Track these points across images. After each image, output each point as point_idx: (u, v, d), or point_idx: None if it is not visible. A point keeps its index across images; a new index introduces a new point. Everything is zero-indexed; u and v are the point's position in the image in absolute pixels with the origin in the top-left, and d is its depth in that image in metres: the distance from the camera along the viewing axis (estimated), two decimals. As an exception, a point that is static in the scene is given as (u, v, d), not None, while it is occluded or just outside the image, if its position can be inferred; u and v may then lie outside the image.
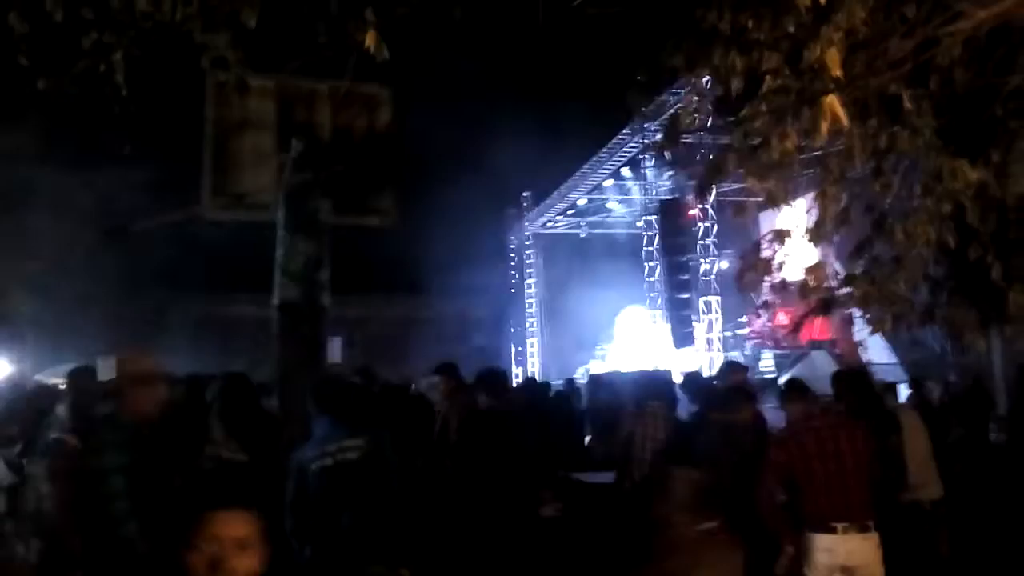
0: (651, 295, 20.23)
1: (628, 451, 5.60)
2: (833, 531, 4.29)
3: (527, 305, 25.46)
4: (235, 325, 19.51)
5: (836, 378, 5.36)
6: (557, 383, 12.45)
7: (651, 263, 20.30)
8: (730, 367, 6.82)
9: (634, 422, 5.74)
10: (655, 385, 6.15)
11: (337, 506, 4.11)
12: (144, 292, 18.52)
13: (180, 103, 8.06)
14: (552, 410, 8.76)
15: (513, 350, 24.88)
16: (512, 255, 26.07)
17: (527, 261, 25.61)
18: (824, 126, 2.85)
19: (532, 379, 16.13)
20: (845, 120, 2.88)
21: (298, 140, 7.13)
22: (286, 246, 6.97)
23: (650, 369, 6.43)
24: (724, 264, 18.02)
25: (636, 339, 19.96)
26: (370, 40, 3.64)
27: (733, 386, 5.80)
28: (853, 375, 5.39)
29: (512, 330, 25.42)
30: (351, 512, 4.12)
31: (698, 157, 13.20)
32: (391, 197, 7.81)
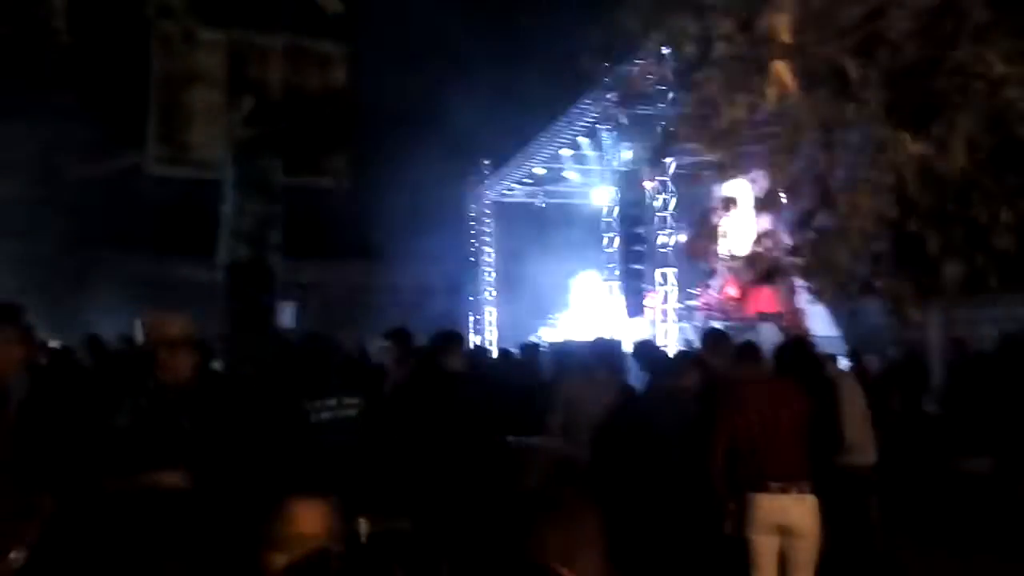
0: (608, 265, 20.34)
1: (573, 420, 5.57)
2: (769, 490, 4.38)
3: (485, 274, 25.43)
4: (177, 287, 19.15)
5: (778, 347, 5.45)
6: (515, 351, 12.46)
7: (608, 234, 20.39)
8: (715, 338, 6.34)
9: (580, 391, 5.71)
10: (604, 353, 6.14)
11: (335, 458, 4.14)
12: (83, 250, 18.02)
13: (125, 54, 7.81)
14: (509, 378, 8.78)
15: (471, 318, 24.87)
16: (470, 223, 25.97)
17: (485, 229, 25.54)
18: (772, 92, 2.88)
19: (479, 347, 16.10)
20: (792, 86, 2.91)
21: (249, 96, 6.98)
22: (235, 205, 6.85)
23: (600, 337, 6.47)
24: (682, 237, 18.18)
25: (590, 307, 20.11)
26: (321, -8, 3.55)
27: (680, 353, 5.85)
28: (793, 343, 5.49)
29: (470, 298, 25.41)
30: (348, 465, 4.14)
31: (658, 130, 13.24)
32: (344, 158, 7.71)
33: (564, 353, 6.64)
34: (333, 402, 4.24)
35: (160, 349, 3.73)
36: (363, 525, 3.86)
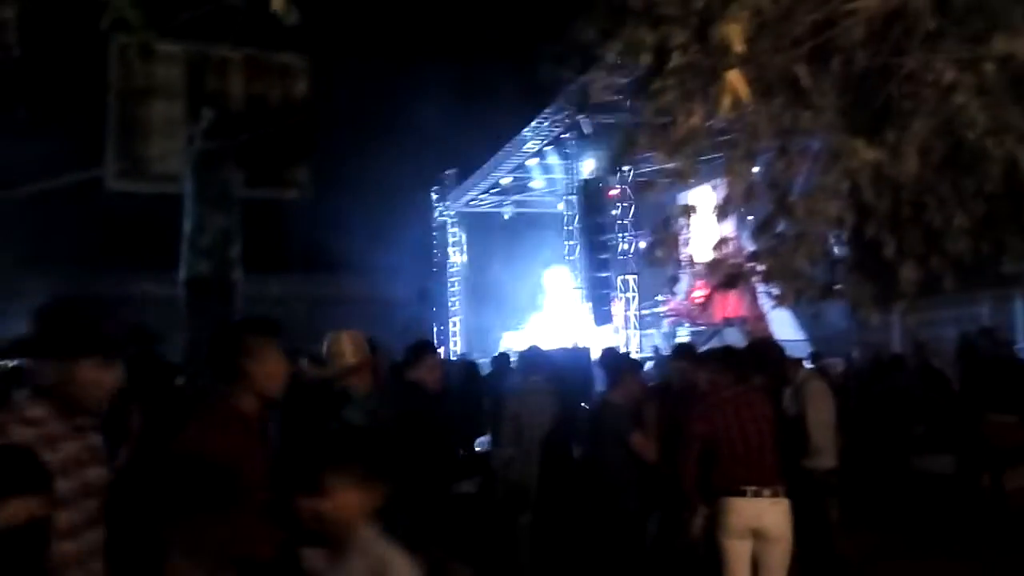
0: (572, 273, 20.42)
1: (517, 437, 5.55)
2: (743, 494, 4.43)
3: (450, 284, 25.38)
4: (138, 303, 18.86)
5: (743, 351, 5.53)
6: (483, 360, 12.42)
7: (572, 242, 20.49)
8: (681, 348, 6.24)
9: (519, 402, 5.69)
10: (539, 362, 6.13)
11: None
12: (41, 266, 17.65)
13: (81, 67, 7.68)
14: (474, 388, 8.76)
15: (436, 329, 24.78)
16: (435, 233, 25.90)
17: (450, 240, 25.50)
18: (727, 101, 2.91)
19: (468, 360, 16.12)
20: (746, 96, 2.95)
21: (208, 109, 6.91)
22: (195, 219, 6.76)
23: (534, 346, 6.47)
24: (643, 244, 18.33)
25: (560, 309, 20.16)
26: (277, 2, 3.51)
27: (621, 363, 5.88)
28: (757, 348, 5.57)
29: (435, 309, 25.31)
30: None
31: (619, 137, 13.34)
32: (307, 170, 7.65)
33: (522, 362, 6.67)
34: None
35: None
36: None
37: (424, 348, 5.22)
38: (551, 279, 21.77)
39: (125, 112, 7.07)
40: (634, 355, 14.73)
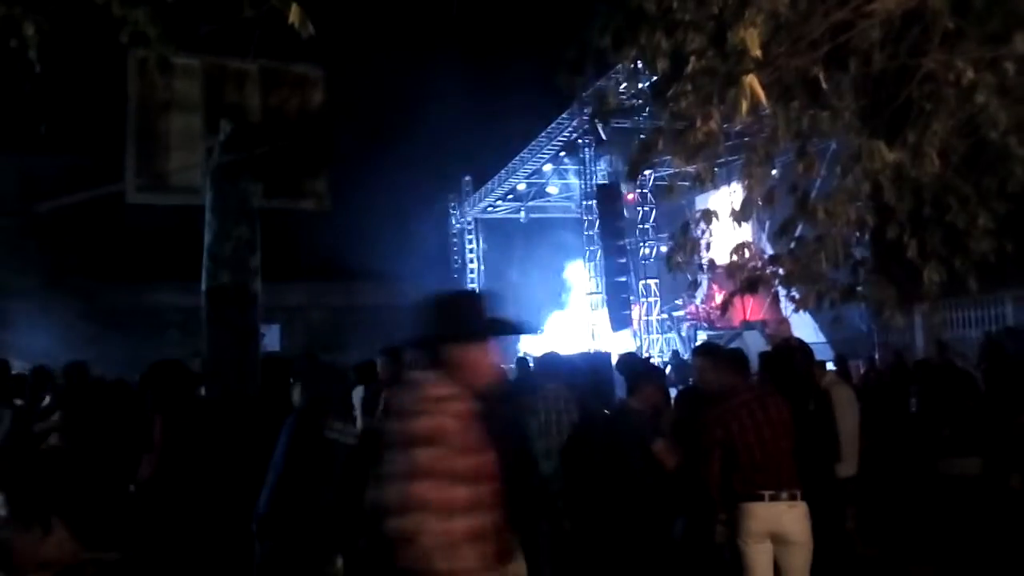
0: (590, 278, 20.41)
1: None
2: (761, 499, 4.40)
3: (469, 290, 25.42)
4: (161, 313, 19.02)
5: (765, 355, 5.50)
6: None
7: (591, 247, 20.47)
8: (703, 350, 6.14)
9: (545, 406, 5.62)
10: (555, 369, 6.06)
11: (327, 477, 4.13)
12: (65, 279, 17.86)
13: (100, 82, 7.77)
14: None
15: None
16: (453, 240, 25.99)
17: (468, 246, 25.56)
18: (744, 106, 2.89)
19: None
20: (764, 100, 2.93)
21: (226, 121, 6.96)
22: (215, 231, 6.81)
23: (551, 352, 6.36)
24: (663, 248, 18.30)
25: (578, 313, 20.14)
26: (294, 15, 3.54)
27: (641, 368, 5.83)
28: (780, 352, 5.52)
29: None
30: (335, 490, 4.14)
31: (635, 144, 13.31)
32: (324, 180, 7.69)
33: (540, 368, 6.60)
34: (339, 425, 4.26)
35: None
36: (339, 563, 3.84)
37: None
38: (572, 276, 21.75)
39: (144, 126, 7.14)
40: (653, 359, 14.68)
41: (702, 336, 16.14)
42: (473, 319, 2.62)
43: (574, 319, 20.49)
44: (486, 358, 2.59)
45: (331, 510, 4.07)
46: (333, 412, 4.28)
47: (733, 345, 13.74)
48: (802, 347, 5.42)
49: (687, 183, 4.75)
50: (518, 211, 24.39)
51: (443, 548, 2.24)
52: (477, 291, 3.86)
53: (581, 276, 20.97)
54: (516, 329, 3.04)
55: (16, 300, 15.81)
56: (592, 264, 20.24)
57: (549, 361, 6.16)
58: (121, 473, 5.77)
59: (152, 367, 5.92)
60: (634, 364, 6.23)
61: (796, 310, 4.54)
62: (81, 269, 18.30)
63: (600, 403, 6.30)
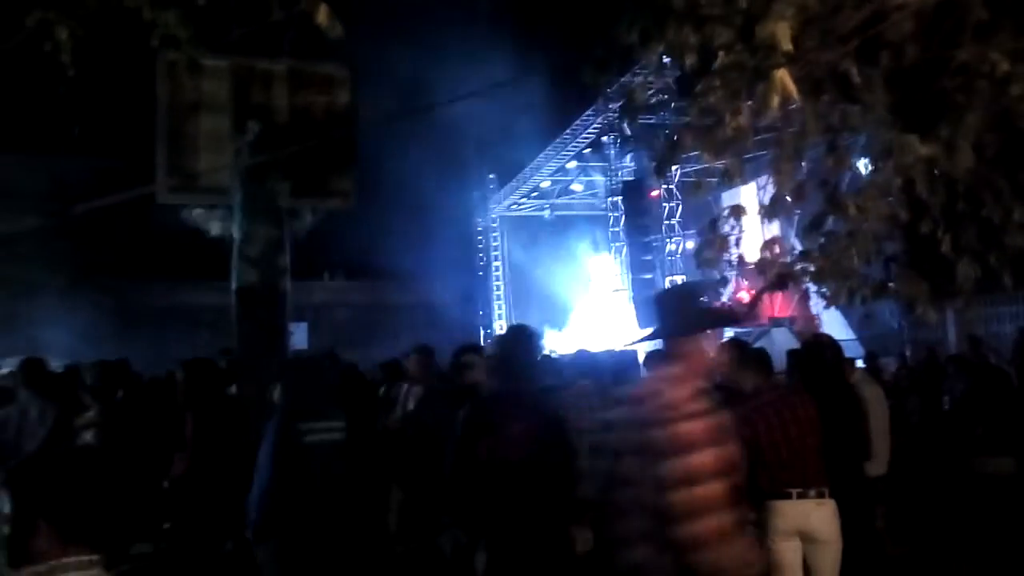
0: (616, 275, 20.36)
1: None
2: (788, 496, 4.37)
3: (494, 288, 25.46)
4: (192, 313, 19.24)
5: (790, 353, 5.44)
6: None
7: (616, 244, 20.41)
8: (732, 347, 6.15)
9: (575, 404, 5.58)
10: (621, 364, 6.04)
11: (314, 480, 4.15)
12: (96, 279, 18.12)
13: (131, 85, 7.88)
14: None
15: (482, 333, 24.87)
16: (479, 238, 26.02)
17: (493, 244, 25.58)
18: (775, 100, 2.86)
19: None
20: (796, 94, 2.90)
21: (254, 122, 7.04)
22: (244, 230, 6.89)
23: (615, 349, 6.28)
24: (689, 244, 18.18)
25: (603, 308, 20.08)
26: (322, 16, 3.57)
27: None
28: (807, 349, 5.46)
29: (480, 313, 25.42)
30: (324, 487, 4.17)
31: (662, 138, 13.26)
32: (350, 179, 7.75)
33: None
34: (322, 425, 4.26)
35: None
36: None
37: (476, 351, 5.21)
38: (597, 271, 21.67)
39: (174, 127, 7.24)
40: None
41: (729, 333, 16.04)
42: (695, 311, 2.77)
43: (600, 315, 20.44)
44: (709, 348, 2.72)
45: (323, 509, 4.11)
46: (313, 411, 4.27)
47: (760, 343, 13.63)
48: (832, 344, 5.35)
49: (715, 179, 4.71)
50: (543, 209, 24.36)
51: (723, 544, 2.34)
52: (695, 284, 4.00)
53: (607, 272, 20.90)
54: (734, 319, 3.41)
55: (49, 299, 16.09)
56: (618, 261, 20.17)
57: (579, 359, 6.14)
58: (155, 470, 5.86)
59: (183, 366, 6.00)
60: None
61: (827, 306, 4.50)
62: (113, 269, 18.57)
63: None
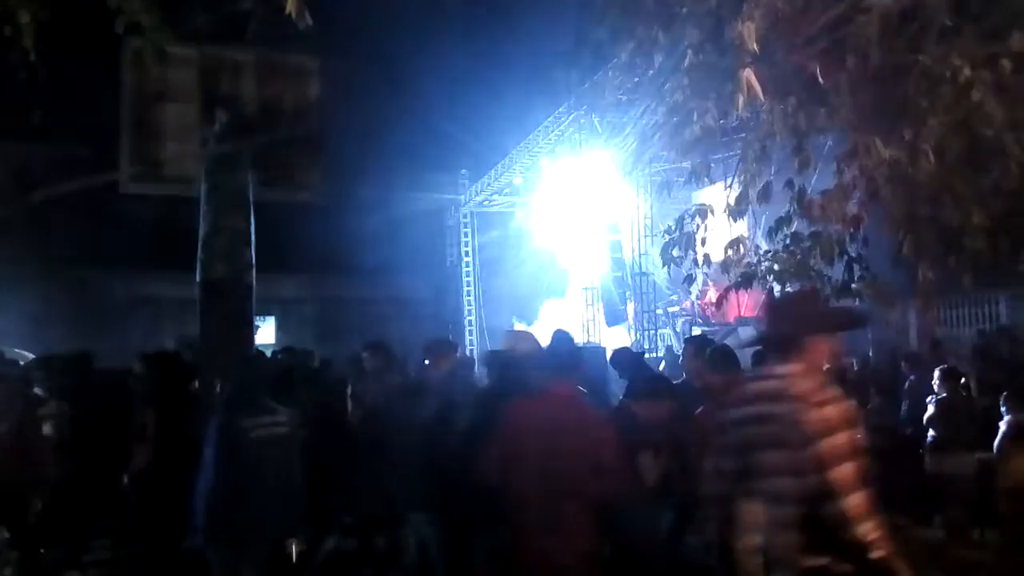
0: (585, 273, 20.41)
1: None
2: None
3: (464, 284, 25.41)
4: (155, 305, 18.96)
5: (757, 351, 5.48)
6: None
7: (585, 241, 20.45)
8: (696, 345, 6.18)
9: None
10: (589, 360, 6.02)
11: (262, 476, 4.10)
12: (59, 270, 17.78)
13: (96, 71, 7.74)
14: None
15: (451, 329, 24.80)
16: (449, 233, 25.95)
17: (463, 239, 25.53)
18: (741, 101, 2.89)
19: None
20: (761, 94, 2.93)
21: (222, 112, 6.93)
22: (210, 222, 6.78)
23: (585, 344, 6.24)
24: (659, 243, 18.25)
25: (573, 304, 20.14)
26: (291, 5, 3.53)
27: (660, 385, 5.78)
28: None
29: (451, 308, 25.36)
30: (272, 483, 4.13)
31: (631, 138, 13.32)
32: (319, 172, 7.67)
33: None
34: (267, 419, 4.22)
35: None
36: (294, 546, 3.88)
37: (443, 346, 5.20)
38: (571, 266, 21.70)
39: (139, 115, 7.11)
40: (648, 354, 14.69)
41: (696, 332, 16.17)
42: (823, 314, 3.01)
43: (571, 310, 20.50)
44: (830, 348, 2.89)
45: (270, 505, 4.07)
46: (254, 406, 4.24)
47: (726, 341, 13.74)
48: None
49: (683, 178, 4.74)
50: (514, 205, 24.37)
51: (864, 520, 2.56)
52: (816, 290, 4.10)
53: (579, 268, 20.97)
54: (860, 322, 3.42)
55: (9, 289, 15.76)
56: (587, 259, 20.24)
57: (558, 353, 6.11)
58: (114, 464, 5.77)
59: (143, 359, 5.91)
60: (654, 382, 6.15)
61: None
62: (75, 259, 18.22)
63: (597, 400, 6.27)
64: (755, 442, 2.88)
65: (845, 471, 2.58)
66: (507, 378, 4.53)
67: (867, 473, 2.67)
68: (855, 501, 2.58)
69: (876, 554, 2.58)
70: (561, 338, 4.03)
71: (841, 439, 2.62)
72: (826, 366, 2.91)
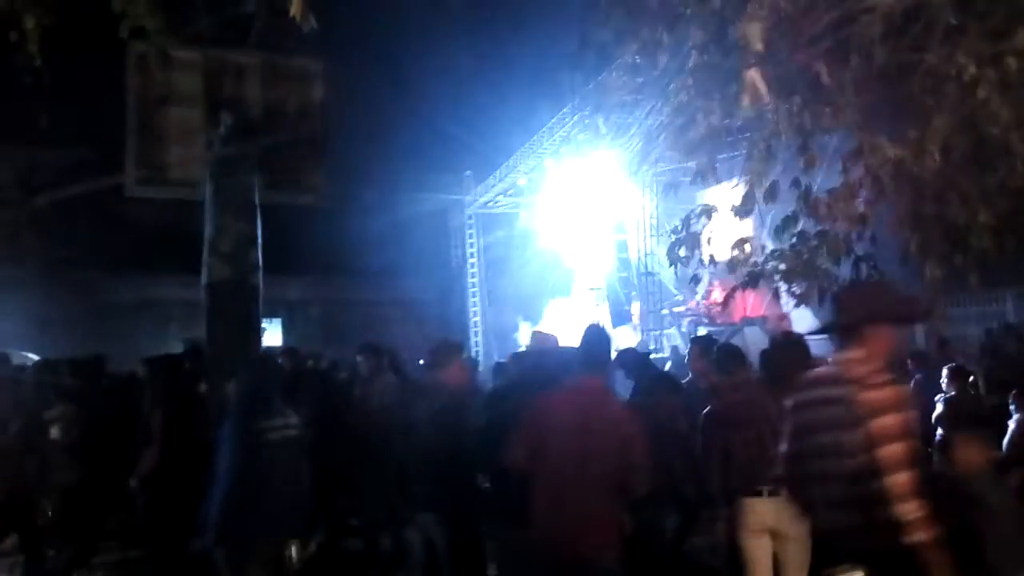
0: (591, 273, 20.41)
1: None
2: (759, 494, 4.40)
3: (469, 285, 25.41)
4: (162, 307, 19.01)
5: (765, 351, 5.47)
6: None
7: (591, 241, 20.45)
8: (701, 345, 6.02)
9: None
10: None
11: (273, 477, 4.11)
12: (64, 272, 17.84)
13: (101, 75, 7.77)
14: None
15: (456, 330, 24.80)
16: (454, 235, 25.97)
17: (468, 241, 25.53)
18: (746, 100, 2.89)
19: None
20: (766, 94, 2.93)
21: (227, 115, 6.96)
22: (215, 224, 6.81)
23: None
24: (665, 243, 18.23)
25: (580, 303, 20.13)
26: (295, 8, 3.54)
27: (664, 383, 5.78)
28: (781, 347, 5.49)
29: (456, 310, 25.36)
30: (282, 485, 4.14)
31: (637, 139, 13.32)
32: (323, 174, 7.69)
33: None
34: (280, 422, 4.22)
35: None
36: (295, 549, 3.89)
37: (450, 348, 5.19)
38: (571, 267, 21.67)
39: (144, 119, 7.15)
40: (653, 355, 14.67)
41: (702, 332, 16.14)
42: (887, 304, 3.06)
43: (576, 310, 20.49)
44: (893, 338, 2.99)
45: (279, 507, 4.08)
46: (268, 409, 4.24)
47: (733, 340, 13.72)
48: (798, 340, 5.40)
49: (688, 178, 4.73)
50: (519, 206, 24.36)
51: (910, 498, 2.65)
52: (887, 282, 4.21)
53: (585, 268, 20.95)
54: (922, 315, 3.63)
55: (15, 292, 15.81)
56: (593, 259, 20.23)
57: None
58: (122, 467, 5.78)
59: (152, 362, 5.92)
60: (653, 371, 6.14)
61: (797, 305, 4.53)
62: (81, 262, 18.28)
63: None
64: (813, 425, 2.98)
65: (893, 451, 2.68)
66: (531, 375, 4.56)
67: (916, 456, 2.77)
68: (900, 479, 2.66)
69: (915, 536, 2.64)
70: (594, 333, 4.05)
71: (890, 420, 2.72)
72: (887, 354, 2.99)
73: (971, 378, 7.00)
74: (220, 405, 5.49)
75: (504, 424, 3.98)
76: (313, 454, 4.41)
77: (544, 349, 4.90)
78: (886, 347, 2.97)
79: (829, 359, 3.09)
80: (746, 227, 5.10)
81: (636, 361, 6.47)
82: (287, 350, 8.85)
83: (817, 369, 3.15)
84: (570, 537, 3.51)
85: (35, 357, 10.07)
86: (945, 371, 6.70)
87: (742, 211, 4.05)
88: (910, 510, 2.64)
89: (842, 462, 2.81)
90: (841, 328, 3.07)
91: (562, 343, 5.13)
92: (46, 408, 5.91)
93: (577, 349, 3.95)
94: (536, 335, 5.20)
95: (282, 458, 4.15)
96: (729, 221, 4.36)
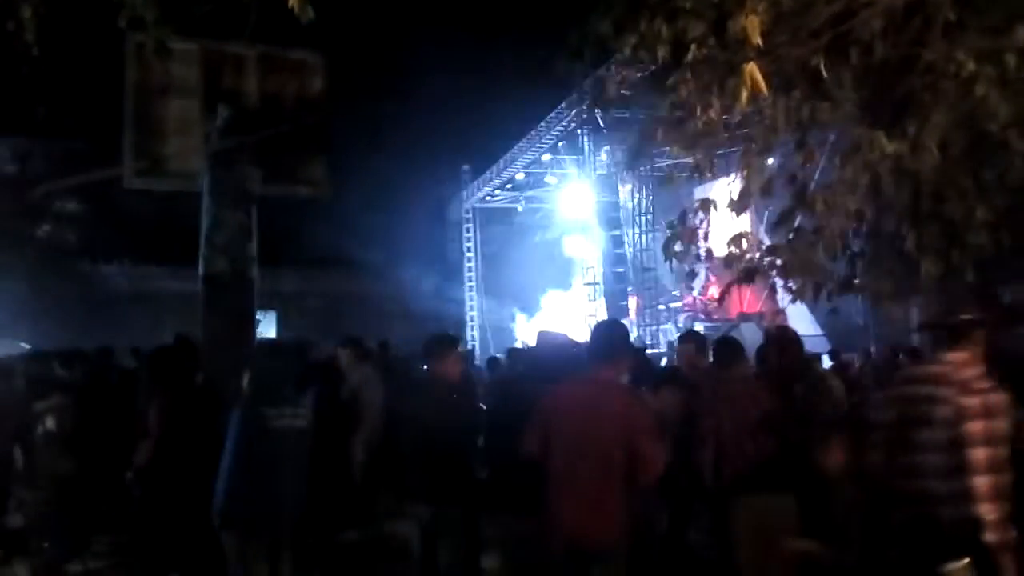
0: (587, 268, 20.43)
1: None
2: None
3: (466, 278, 25.41)
4: (157, 298, 18.98)
5: (761, 347, 5.48)
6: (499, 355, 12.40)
7: (588, 238, 20.46)
8: (692, 340, 6.15)
9: None
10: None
11: (278, 465, 4.14)
12: (61, 262, 17.80)
13: (99, 66, 7.74)
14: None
15: (453, 323, 24.81)
16: (451, 229, 25.95)
17: (466, 235, 25.51)
18: (744, 95, 2.89)
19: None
20: (765, 88, 2.93)
21: (225, 107, 6.94)
22: (212, 216, 6.79)
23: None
24: (661, 238, 18.22)
25: (577, 298, 20.15)
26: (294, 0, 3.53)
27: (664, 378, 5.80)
28: (776, 343, 5.50)
29: (452, 303, 25.36)
30: (286, 473, 4.16)
31: (634, 133, 13.28)
32: (322, 167, 7.67)
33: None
34: (288, 411, 4.25)
35: None
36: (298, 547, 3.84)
37: (445, 341, 5.19)
38: (576, 256, 21.67)
39: (142, 110, 7.12)
40: (649, 350, 14.69)
41: (699, 328, 16.16)
42: (994, 309, 3.29)
43: (573, 305, 20.50)
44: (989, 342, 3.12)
45: (282, 495, 4.11)
46: (279, 398, 4.26)
47: (729, 336, 13.72)
48: (792, 336, 5.42)
49: (686, 173, 4.73)
50: (516, 201, 24.34)
51: (985, 501, 2.82)
52: (989, 284, 4.33)
53: (579, 265, 20.97)
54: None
55: (12, 283, 15.77)
56: (590, 254, 20.24)
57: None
58: (118, 458, 5.77)
59: (147, 355, 5.92)
60: (643, 358, 6.16)
61: (793, 301, 4.54)
62: (77, 253, 18.25)
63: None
64: (911, 419, 3.10)
65: (979, 454, 2.84)
66: (540, 367, 4.60)
67: (1003, 462, 2.90)
68: (982, 481, 2.83)
69: (990, 536, 2.78)
70: (608, 325, 4.06)
71: (975, 427, 2.89)
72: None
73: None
74: (222, 395, 5.48)
75: (510, 415, 4.01)
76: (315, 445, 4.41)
77: (553, 343, 4.90)
78: (983, 350, 3.12)
79: (935, 358, 3.21)
80: (743, 222, 5.10)
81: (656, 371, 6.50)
82: (297, 341, 8.79)
83: (922, 366, 3.29)
84: (578, 525, 3.55)
85: (28, 347, 10.07)
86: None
87: (739, 206, 4.04)
88: (988, 511, 2.80)
89: (941, 458, 2.95)
90: (949, 328, 3.18)
91: (571, 337, 5.16)
92: (38, 399, 5.90)
93: (590, 341, 3.97)
94: (542, 335, 5.19)
95: (287, 447, 4.17)
96: (726, 216, 4.36)
